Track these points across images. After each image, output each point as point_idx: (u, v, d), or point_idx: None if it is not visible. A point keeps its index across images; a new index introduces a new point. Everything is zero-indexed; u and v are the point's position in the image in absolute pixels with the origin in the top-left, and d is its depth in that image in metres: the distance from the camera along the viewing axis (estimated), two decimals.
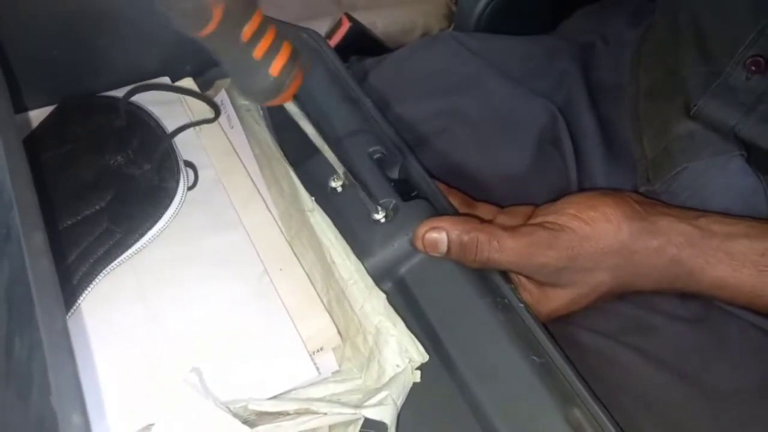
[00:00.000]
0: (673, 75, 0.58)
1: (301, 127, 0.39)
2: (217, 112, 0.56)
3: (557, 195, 0.49)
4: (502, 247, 0.43)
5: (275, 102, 0.35)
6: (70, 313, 0.43)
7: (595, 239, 0.44)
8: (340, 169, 0.43)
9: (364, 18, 0.94)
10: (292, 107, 0.37)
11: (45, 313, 0.29)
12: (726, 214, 0.46)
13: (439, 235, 0.44)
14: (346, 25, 0.92)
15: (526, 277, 0.47)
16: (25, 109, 0.55)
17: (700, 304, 0.49)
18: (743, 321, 0.49)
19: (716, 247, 0.44)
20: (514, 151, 0.61)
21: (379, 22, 0.95)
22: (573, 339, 0.48)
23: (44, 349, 0.28)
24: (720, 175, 0.52)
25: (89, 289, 0.44)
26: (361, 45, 0.91)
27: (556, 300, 0.46)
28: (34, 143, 0.53)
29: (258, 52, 0.33)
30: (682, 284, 0.45)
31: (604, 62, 0.66)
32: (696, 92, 0.54)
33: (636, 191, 0.56)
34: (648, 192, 0.55)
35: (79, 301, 0.44)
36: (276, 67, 0.33)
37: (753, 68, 0.50)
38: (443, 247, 0.44)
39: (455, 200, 0.51)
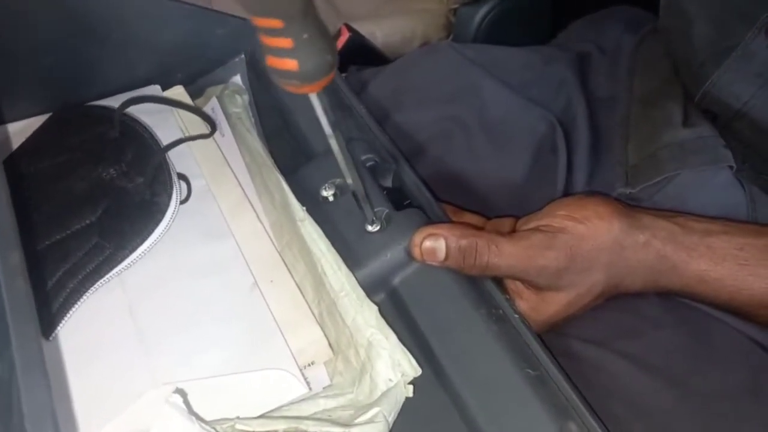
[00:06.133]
0: (667, 83, 0.57)
1: (322, 125, 0.38)
2: (213, 127, 0.55)
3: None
4: (501, 251, 0.43)
5: (302, 90, 0.34)
6: (55, 332, 0.42)
7: (591, 237, 0.44)
8: (349, 173, 0.42)
9: (364, 28, 0.94)
10: (316, 103, 0.37)
11: (19, 335, 0.29)
12: (700, 215, 0.47)
13: (437, 242, 0.43)
14: (345, 35, 0.92)
15: (524, 283, 0.46)
16: (5, 121, 0.54)
17: (683, 308, 0.49)
18: (725, 324, 0.49)
19: (697, 242, 0.44)
20: (512, 160, 0.61)
21: (378, 32, 0.95)
22: (564, 348, 0.48)
23: (17, 373, 0.27)
24: (705, 189, 0.53)
25: (76, 306, 0.44)
26: (360, 55, 0.91)
27: (554, 304, 0.46)
28: (27, 153, 0.52)
29: None
30: (667, 280, 0.45)
31: (601, 71, 0.66)
32: (707, 71, 0.53)
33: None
34: (622, 196, 0.56)
35: (65, 319, 0.43)
36: None
37: None
38: (441, 255, 0.43)
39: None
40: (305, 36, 0.32)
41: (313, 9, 0.33)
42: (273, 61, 0.33)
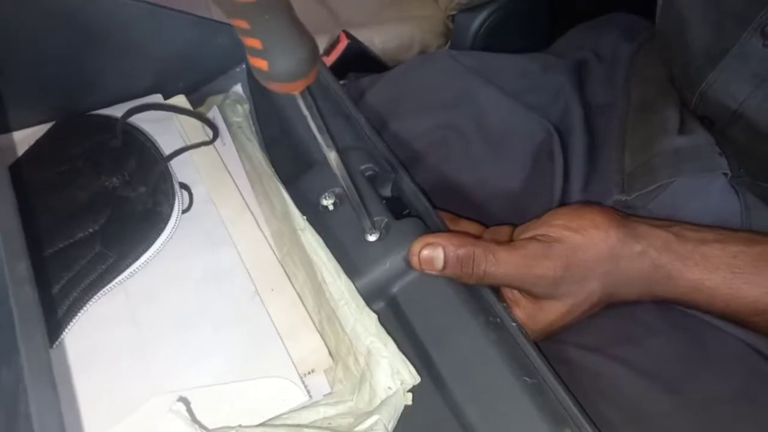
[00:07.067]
0: (664, 90, 0.58)
1: (314, 133, 0.39)
2: (215, 134, 0.56)
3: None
4: (498, 260, 0.43)
5: (283, 89, 0.35)
6: (59, 340, 0.43)
7: (588, 247, 0.44)
8: (344, 180, 0.42)
9: (362, 35, 0.94)
10: (300, 103, 0.37)
11: (27, 344, 0.29)
12: (694, 223, 0.47)
13: (435, 251, 0.43)
14: (344, 42, 0.93)
15: (521, 292, 0.47)
16: (10, 129, 0.54)
17: (679, 314, 0.49)
18: (721, 330, 0.49)
19: (691, 251, 0.45)
20: (509, 167, 0.61)
21: (376, 39, 0.96)
22: (561, 355, 0.48)
23: (26, 381, 0.28)
24: (700, 196, 0.53)
25: (80, 314, 0.44)
26: (358, 62, 0.92)
27: (550, 313, 0.46)
28: (29, 162, 0.53)
29: None
30: (662, 289, 0.45)
31: (598, 78, 0.67)
32: (704, 72, 0.53)
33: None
34: (618, 203, 0.56)
35: (69, 327, 0.43)
36: None
37: None
38: (439, 264, 0.43)
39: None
40: (273, 37, 0.33)
41: (283, 10, 0.33)
42: (251, 61, 0.34)
